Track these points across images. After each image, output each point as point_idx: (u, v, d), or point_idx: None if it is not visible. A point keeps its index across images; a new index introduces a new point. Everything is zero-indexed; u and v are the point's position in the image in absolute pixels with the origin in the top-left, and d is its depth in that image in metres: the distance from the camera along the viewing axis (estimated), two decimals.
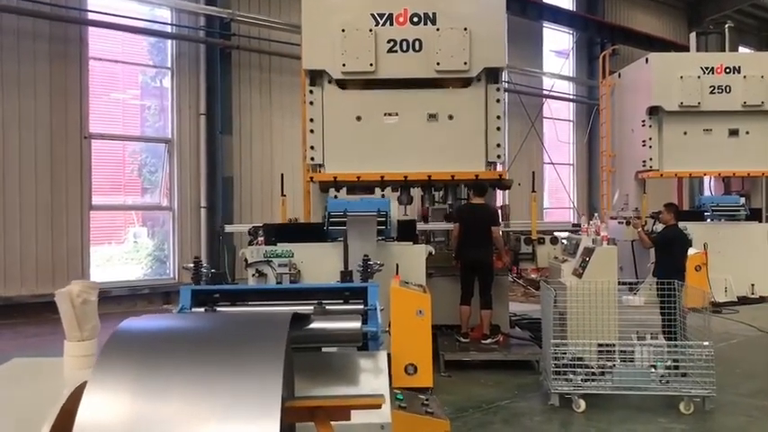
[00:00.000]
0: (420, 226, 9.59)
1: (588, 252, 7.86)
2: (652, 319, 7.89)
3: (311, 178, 9.24)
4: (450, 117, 9.09)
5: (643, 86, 14.93)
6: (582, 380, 6.62)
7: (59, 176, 12.81)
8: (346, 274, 5.44)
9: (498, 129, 9.34)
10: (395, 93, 9.25)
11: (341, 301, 4.28)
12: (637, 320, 7.49)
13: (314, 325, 3.05)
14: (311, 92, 9.42)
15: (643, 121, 14.87)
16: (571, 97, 22.97)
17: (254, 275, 8.20)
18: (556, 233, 9.64)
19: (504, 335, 9.00)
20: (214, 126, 14.57)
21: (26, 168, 12.45)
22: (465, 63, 9.00)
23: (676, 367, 6.65)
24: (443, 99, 9.22)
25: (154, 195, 14.62)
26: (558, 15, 21.25)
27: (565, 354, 6.70)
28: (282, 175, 10.41)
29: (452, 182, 9.34)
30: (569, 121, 23.30)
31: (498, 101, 9.39)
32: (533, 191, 9.68)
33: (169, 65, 14.50)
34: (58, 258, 12.81)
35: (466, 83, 9.42)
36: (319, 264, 8.16)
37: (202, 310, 4.26)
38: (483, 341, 8.64)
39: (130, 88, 14.18)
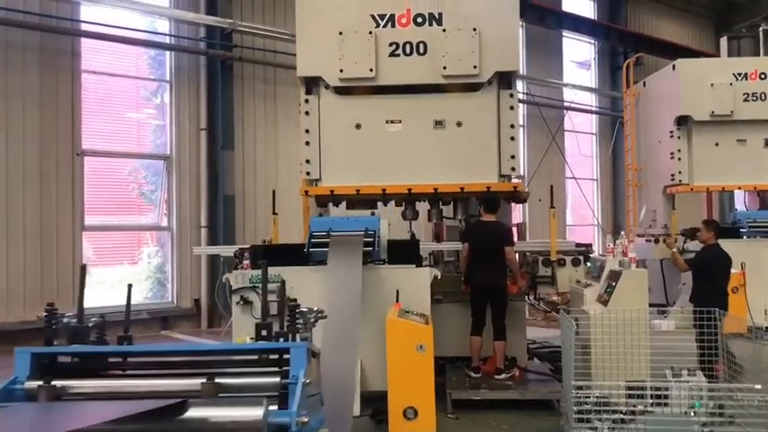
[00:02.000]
0: (428, 246, 8.70)
1: (614, 276, 6.93)
2: (686, 346, 6.94)
3: (306, 192, 8.43)
4: (459, 124, 8.32)
5: (670, 95, 13.93)
6: (609, 427, 5.67)
7: (49, 195, 12.13)
8: (261, 328, 3.93)
9: (512, 138, 8.50)
10: (398, 98, 8.50)
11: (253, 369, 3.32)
12: (669, 349, 6.53)
13: (194, 413, 2.11)
14: (307, 101, 8.67)
15: (671, 132, 13.85)
16: (593, 109, 22.02)
17: (238, 303, 7.39)
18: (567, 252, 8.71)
19: (521, 369, 8.08)
20: (215, 141, 13.90)
21: (14, 187, 11.80)
22: (474, 67, 8.24)
23: (721, 412, 5.67)
24: (451, 104, 8.45)
25: (152, 215, 13.88)
26: (578, 24, 20.38)
27: (588, 396, 5.75)
28: (274, 191, 9.63)
29: (462, 195, 8.49)
30: (592, 134, 22.34)
31: (512, 108, 8.55)
32: (552, 206, 8.76)
33: (168, 78, 13.85)
34: (48, 282, 12.09)
35: (475, 89, 8.61)
36: (305, 290, 7.34)
37: (40, 383, 3.29)
38: (496, 377, 7.72)
39: (127, 103, 13.49)
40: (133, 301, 12.04)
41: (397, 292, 7.15)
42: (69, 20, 12.43)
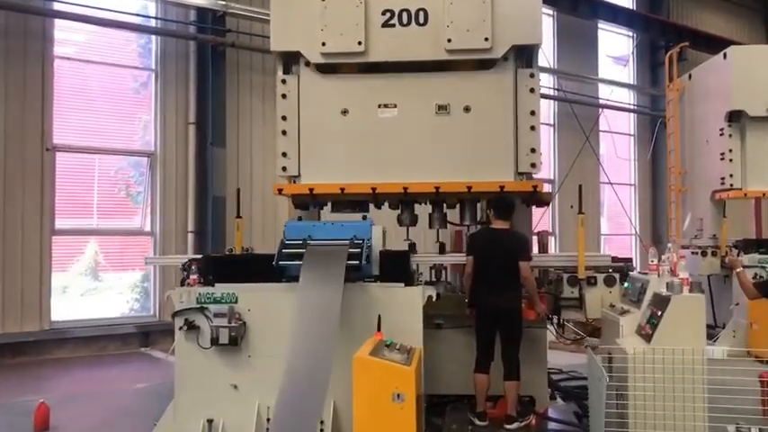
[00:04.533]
0: (424, 258, 7.12)
1: (660, 302, 5.28)
2: (745, 380, 5.33)
3: (280, 191, 6.95)
4: (467, 109, 6.91)
5: (720, 88, 12.26)
6: None
7: (14, 195, 10.86)
8: None
9: (533, 128, 7.01)
10: (393, 78, 7.06)
11: None
12: (726, 385, 4.92)
13: None
14: (284, 81, 7.23)
15: (721, 129, 12.20)
16: (632, 107, 20.22)
17: (181, 329, 5.90)
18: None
19: (539, 415, 6.46)
20: (205, 137, 12.51)
21: None
22: (486, 39, 6.78)
23: None
24: (457, 85, 6.98)
25: (134, 218, 12.52)
26: (615, 14, 18.65)
27: None
28: (238, 190, 8.16)
29: (469, 196, 6.95)
30: (630, 135, 20.55)
31: (533, 91, 7.06)
32: (580, 211, 7.13)
33: (153, 66, 12.49)
34: (11, 292, 10.79)
35: (488, 66, 7.09)
36: (273, 313, 5.86)
37: None
38: (506, 426, 6.09)
39: (105, 93, 12.12)
40: (112, 314, 10.71)
41: (379, 318, 5.62)
42: None
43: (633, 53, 20.34)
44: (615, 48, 20.46)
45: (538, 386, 6.86)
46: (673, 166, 13.84)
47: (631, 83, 20.21)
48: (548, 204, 7.27)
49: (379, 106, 6.98)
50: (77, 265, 12.17)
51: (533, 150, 6.96)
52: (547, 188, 17.66)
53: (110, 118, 12.10)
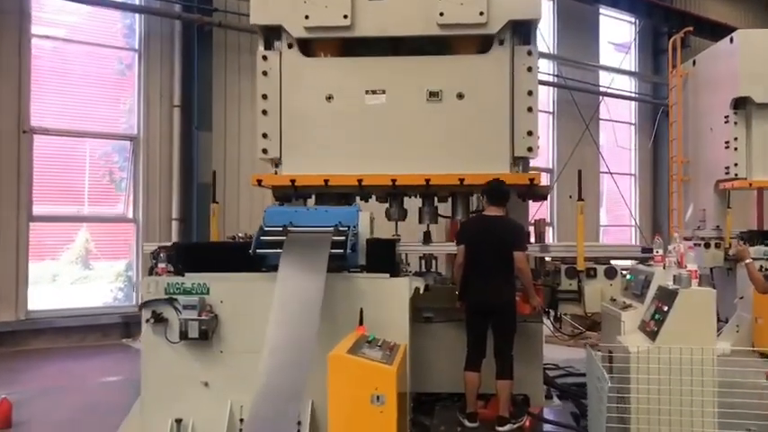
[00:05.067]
0: (413, 248, 6.68)
1: (666, 296, 4.84)
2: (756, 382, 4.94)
3: (259, 182, 6.50)
4: (460, 96, 6.55)
5: (726, 74, 11.79)
6: None
7: None
8: None
9: (530, 110, 6.59)
10: (381, 61, 6.70)
11: None
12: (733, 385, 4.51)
13: None
14: (265, 58, 6.81)
15: (726, 117, 11.75)
16: (633, 95, 19.73)
17: (148, 321, 5.46)
18: (614, 261, 6.59)
19: (533, 416, 6.02)
20: (190, 121, 12.03)
21: None
22: (481, 14, 6.40)
23: None
24: (450, 70, 6.61)
25: (118, 205, 12.05)
26: None
27: None
28: (214, 172, 7.70)
29: (462, 189, 6.53)
30: (630, 123, 20.06)
31: (530, 69, 6.64)
32: (579, 198, 6.68)
33: (136, 46, 11.99)
34: None
35: (484, 44, 6.67)
36: (247, 305, 5.42)
37: None
38: (498, 428, 5.65)
39: (86, 74, 11.62)
40: (93, 304, 10.25)
41: (361, 311, 5.18)
42: None
43: (635, 40, 19.83)
44: (617, 34, 19.94)
45: (533, 384, 6.44)
46: (675, 156, 13.40)
47: (633, 70, 19.71)
48: (545, 198, 6.83)
49: (367, 92, 6.61)
50: (58, 254, 11.72)
51: (530, 133, 6.56)
52: (544, 180, 17.26)
53: (90, 100, 11.63)
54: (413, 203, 7.10)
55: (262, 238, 5.45)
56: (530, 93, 6.58)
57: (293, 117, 6.66)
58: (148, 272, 5.88)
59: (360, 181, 6.41)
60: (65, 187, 11.59)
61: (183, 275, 5.53)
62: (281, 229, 5.51)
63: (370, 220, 5.84)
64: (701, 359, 4.35)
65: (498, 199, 5.92)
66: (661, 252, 5.51)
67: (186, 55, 12.00)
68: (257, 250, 5.36)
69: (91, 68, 11.65)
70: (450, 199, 6.98)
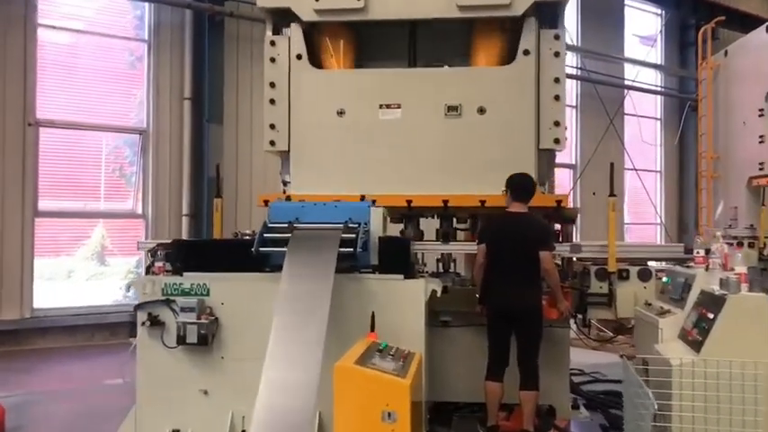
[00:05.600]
0: (429, 247, 6.22)
1: (712, 302, 4.35)
2: None
3: (266, 202, 6.06)
4: (482, 110, 6.12)
5: (761, 65, 11.22)
6: None
7: None
8: None
9: (557, 98, 6.11)
10: (396, 73, 6.30)
11: None
12: None
13: None
14: (272, 43, 6.40)
15: (761, 110, 11.19)
16: (659, 89, 19.10)
17: (144, 324, 5.08)
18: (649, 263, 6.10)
19: (560, 430, 5.56)
20: (201, 113, 11.63)
21: None
22: None
23: None
24: (470, 81, 6.20)
25: (128, 200, 11.70)
26: None
27: None
28: (218, 165, 7.29)
29: (483, 211, 6.07)
30: (656, 118, 19.42)
31: (557, 55, 6.17)
32: (611, 194, 6.20)
33: (146, 36, 11.61)
34: None
35: (506, 28, 6.22)
36: (250, 308, 5.02)
37: None
38: None
39: (94, 65, 11.26)
40: (102, 302, 9.89)
41: (372, 315, 4.74)
42: None
43: (661, 32, 19.19)
44: (642, 26, 19.30)
45: (558, 394, 5.96)
46: (704, 151, 12.88)
47: (659, 63, 19.09)
48: (573, 222, 6.34)
49: (381, 106, 6.18)
50: (65, 250, 11.40)
51: (557, 124, 6.10)
52: (566, 178, 16.73)
53: (99, 92, 11.25)
54: (430, 223, 6.65)
55: (265, 235, 5.04)
56: (556, 80, 6.12)
57: (302, 133, 6.27)
58: (145, 271, 5.49)
59: (373, 202, 5.97)
60: (72, 182, 11.25)
61: (182, 275, 5.14)
62: (286, 225, 5.10)
63: (383, 216, 5.41)
64: (755, 374, 3.87)
65: (523, 194, 5.45)
66: (702, 252, 5.01)
67: (197, 46, 11.60)
68: (260, 249, 4.95)
69: (99, 60, 11.29)
70: (470, 220, 6.50)
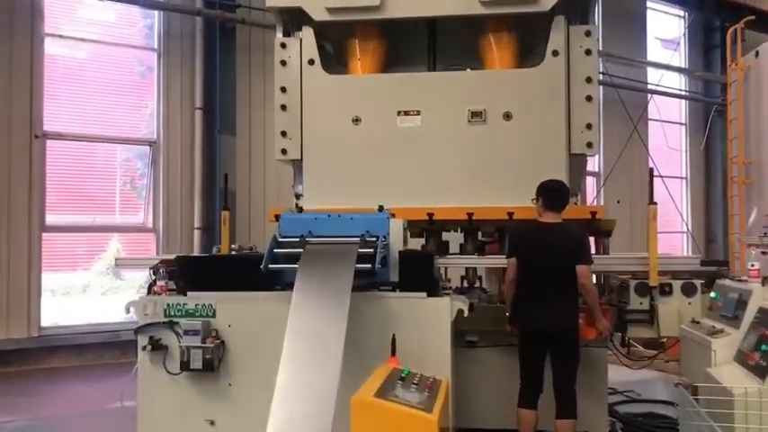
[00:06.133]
0: (453, 261, 5.78)
1: None
2: None
3: (277, 217, 5.68)
4: (508, 116, 5.73)
5: None
6: None
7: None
8: None
9: (589, 99, 5.67)
10: (416, 78, 5.94)
11: None
12: None
13: None
14: (283, 45, 6.02)
15: None
16: (684, 94, 18.56)
17: (145, 348, 4.67)
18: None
19: None
20: (213, 124, 11.27)
21: None
22: None
23: None
24: (495, 85, 5.81)
25: (136, 213, 11.36)
26: None
27: None
28: (226, 175, 6.91)
29: (511, 223, 5.63)
30: (681, 123, 18.87)
31: (589, 52, 5.73)
32: (651, 202, 5.74)
33: (155, 45, 11.28)
34: None
35: (535, 25, 5.82)
36: (260, 330, 4.61)
37: None
38: None
39: (102, 75, 10.94)
40: (113, 320, 9.50)
41: (393, 339, 4.31)
42: None
43: (685, 34, 18.67)
44: (664, 30, 18.80)
45: (595, 419, 5.52)
46: (735, 156, 12.34)
47: (683, 66, 18.57)
48: (609, 235, 5.90)
49: (399, 113, 5.82)
50: (74, 266, 11.07)
51: (590, 126, 5.66)
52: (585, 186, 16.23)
53: (107, 102, 10.89)
54: (453, 237, 6.22)
55: (275, 250, 4.63)
56: (588, 80, 5.70)
57: (315, 142, 5.89)
58: (147, 290, 5.08)
59: (392, 215, 5.60)
60: (81, 196, 10.92)
61: (186, 294, 4.74)
62: (297, 239, 4.68)
63: (403, 228, 4.99)
64: None
65: (556, 202, 5.00)
66: (757, 266, 4.54)
67: (208, 54, 11.25)
68: (269, 265, 4.53)
69: (107, 70, 10.97)
70: (496, 234, 6.06)
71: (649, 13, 18.05)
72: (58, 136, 10.36)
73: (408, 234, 5.19)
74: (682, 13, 18.56)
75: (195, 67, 11.25)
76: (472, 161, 5.75)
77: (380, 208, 5.36)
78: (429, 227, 5.85)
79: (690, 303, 5.33)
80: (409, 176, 5.78)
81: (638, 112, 16.16)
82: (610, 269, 5.72)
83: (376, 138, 5.85)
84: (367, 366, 4.13)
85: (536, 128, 5.68)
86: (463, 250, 5.97)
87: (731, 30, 13.27)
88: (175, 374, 4.64)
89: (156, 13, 11.21)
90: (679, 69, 18.38)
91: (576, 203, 5.75)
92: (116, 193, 11.37)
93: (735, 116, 12.37)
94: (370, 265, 4.45)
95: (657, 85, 17.50)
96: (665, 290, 5.37)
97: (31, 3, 10.03)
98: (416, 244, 6.00)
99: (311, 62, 5.92)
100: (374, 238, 4.66)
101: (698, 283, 5.41)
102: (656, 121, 17.79)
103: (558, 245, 4.90)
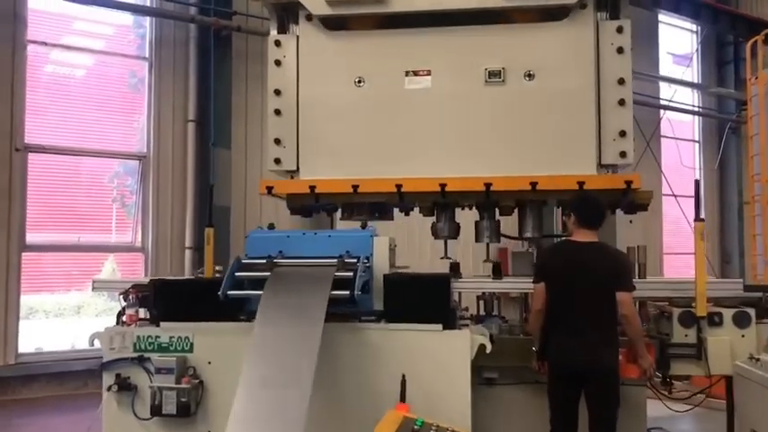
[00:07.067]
0: (466, 285, 5.09)
1: None
2: None
3: (269, 189, 5.09)
4: (530, 75, 5.08)
5: None
6: None
7: None
8: None
9: (622, 103, 5.02)
10: (424, 33, 5.21)
11: None
12: None
13: None
14: (278, 43, 5.40)
15: None
16: (697, 110, 18.02)
17: (110, 389, 3.98)
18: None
19: None
20: (206, 137, 10.69)
21: None
22: None
23: None
24: (516, 42, 5.10)
25: (125, 231, 10.71)
26: (678, 4, 16.48)
27: None
28: (212, 187, 6.29)
29: (533, 196, 5.00)
30: (694, 141, 18.32)
31: (621, 51, 5.09)
32: (697, 219, 5.09)
33: (146, 54, 10.71)
34: None
35: (557, 17, 5.21)
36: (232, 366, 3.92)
37: None
38: None
39: (89, 85, 10.37)
40: (97, 345, 8.71)
41: (403, 381, 3.63)
42: None
43: (698, 50, 18.16)
44: (677, 44, 18.30)
45: None
46: (756, 174, 11.83)
47: (696, 81, 18.06)
48: (645, 209, 5.27)
49: (407, 73, 5.17)
50: (57, 288, 10.43)
51: (623, 134, 5.01)
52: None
53: (93, 114, 10.33)
54: (467, 216, 5.57)
55: (237, 273, 3.96)
56: (621, 81, 5.07)
57: (314, 108, 5.26)
58: (116, 319, 4.40)
59: (399, 186, 4.95)
60: (65, 213, 10.32)
61: (159, 325, 4.06)
62: (264, 261, 4.02)
63: (389, 247, 4.34)
64: None
65: (592, 218, 4.33)
66: None
67: (202, 64, 10.69)
68: (228, 292, 3.86)
69: (95, 80, 10.42)
70: (516, 210, 5.39)
71: (661, 28, 17.61)
72: (41, 149, 9.73)
73: (395, 252, 4.56)
74: (694, 27, 18.10)
75: (188, 77, 10.71)
76: (489, 126, 5.11)
77: (363, 225, 4.73)
78: (441, 200, 5.21)
79: (743, 336, 4.64)
80: (418, 143, 5.15)
81: (649, 128, 15.62)
82: (649, 295, 5.03)
83: (381, 100, 5.22)
84: (370, 414, 3.46)
85: (561, 88, 5.04)
86: (479, 229, 5.32)
87: (750, 42, 12.75)
88: (145, 420, 3.96)
89: (147, 19, 10.65)
90: (692, 84, 17.87)
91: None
92: (103, 210, 10.75)
93: (756, 131, 11.86)
94: (348, 292, 3.78)
95: (670, 101, 16.98)
96: (715, 320, 4.67)
97: (13, 7, 9.45)
98: (426, 223, 5.45)
99: (309, 18, 5.29)
100: (355, 259, 4.00)
101: (752, 312, 4.72)
102: (669, 137, 17.26)
103: (595, 267, 4.22)
